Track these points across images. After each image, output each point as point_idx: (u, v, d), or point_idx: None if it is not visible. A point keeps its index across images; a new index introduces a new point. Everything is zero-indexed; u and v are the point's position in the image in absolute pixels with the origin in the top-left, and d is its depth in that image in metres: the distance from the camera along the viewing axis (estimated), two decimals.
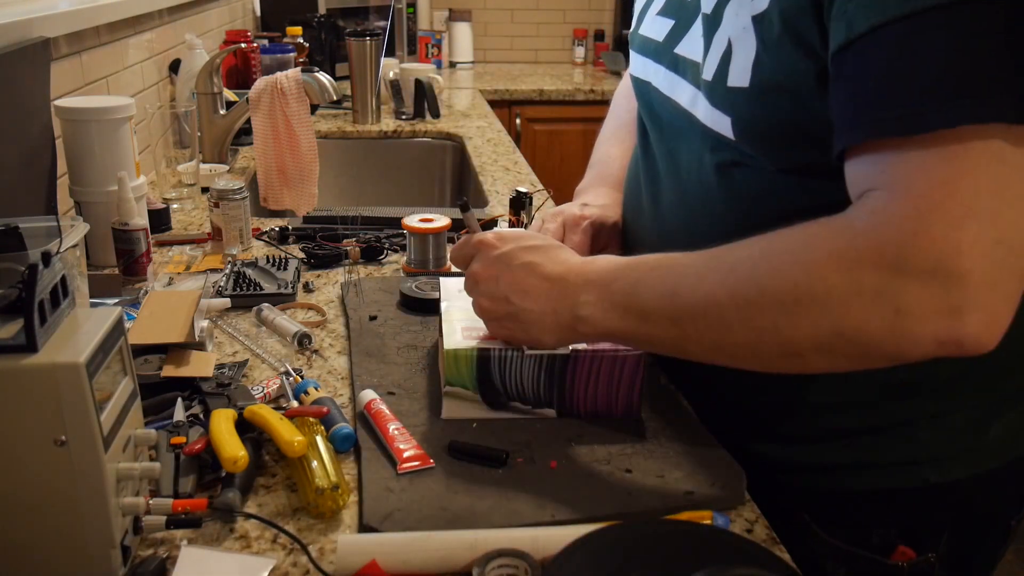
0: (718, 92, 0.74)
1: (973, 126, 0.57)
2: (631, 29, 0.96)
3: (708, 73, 0.75)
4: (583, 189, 1.07)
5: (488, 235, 0.80)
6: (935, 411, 0.79)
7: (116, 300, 1.05)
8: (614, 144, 1.11)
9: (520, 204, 1.31)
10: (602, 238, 0.98)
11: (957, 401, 0.79)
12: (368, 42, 2.22)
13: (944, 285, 0.57)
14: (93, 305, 0.99)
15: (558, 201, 1.24)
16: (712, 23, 0.76)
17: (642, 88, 0.91)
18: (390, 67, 2.51)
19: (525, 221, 1.31)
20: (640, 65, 0.91)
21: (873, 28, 0.59)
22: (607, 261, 0.75)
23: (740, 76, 0.71)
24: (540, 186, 1.70)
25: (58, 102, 1.19)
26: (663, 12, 0.88)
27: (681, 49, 0.82)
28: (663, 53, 0.85)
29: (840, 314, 0.60)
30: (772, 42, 0.68)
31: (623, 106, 1.15)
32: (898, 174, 0.59)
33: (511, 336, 0.79)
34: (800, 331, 0.62)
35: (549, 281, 0.75)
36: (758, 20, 0.69)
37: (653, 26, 0.89)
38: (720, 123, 0.75)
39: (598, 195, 1.04)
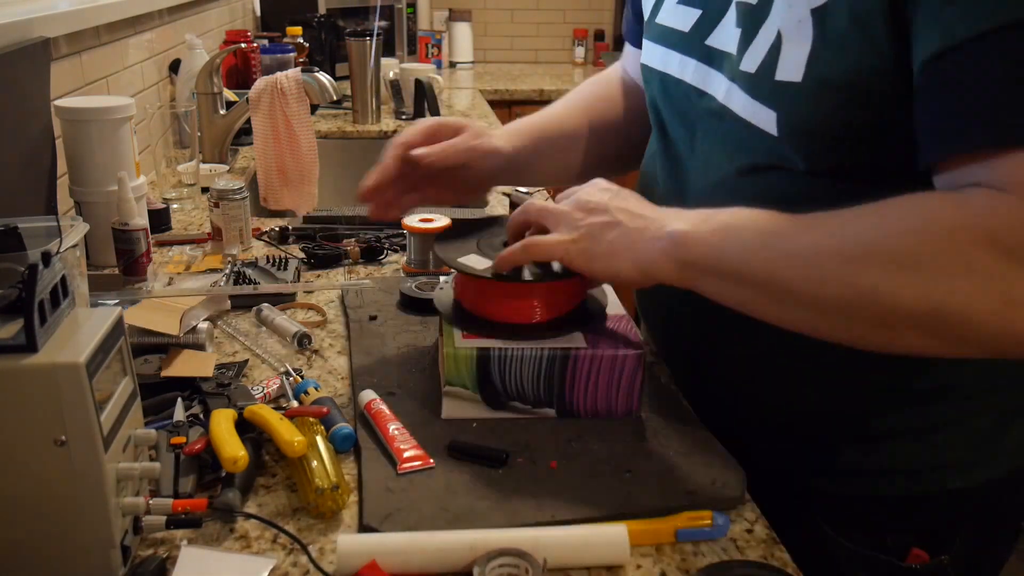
0: (763, 86, 0.72)
1: None
2: (646, 18, 0.93)
3: (750, 65, 0.73)
4: None
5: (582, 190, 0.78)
6: (957, 417, 0.79)
7: (116, 300, 1.05)
8: (547, 109, 1.09)
9: (520, 204, 1.31)
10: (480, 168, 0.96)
11: (979, 407, 0.79)
12: (368, 42, 2.23)
13: None
14: (93, 305, 0.99)
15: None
16: (757, 13, 0.74)
17: (660, 80, 0.88)
18: (390, 67, 2.51)
19: None
20: (660, 56, 0.88)
21: (981, 34, 0.58)
22: (699, 210, 0.73)
23: (791, 70, 0.69)
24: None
25: (58, 102, 1.19)
26: (686, 1, 0.85)
27: (713, 40, 0.80)
28: (692, 44, 0.83)
29: (946, 289, 0.58)
30: (835, 37, 0.67)
31: (581, 90, 1.11)
32: (1014, 174, 0.58)
33: (611, 256, 0.72)
34: (901, 299, 0.59)
35: (643, 204, 0.74)
36: (818, 13, 0.68)
37: (675, 15, 0.86)
38: (762, 118, 0.72)
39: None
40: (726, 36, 0.79)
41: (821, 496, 0.84)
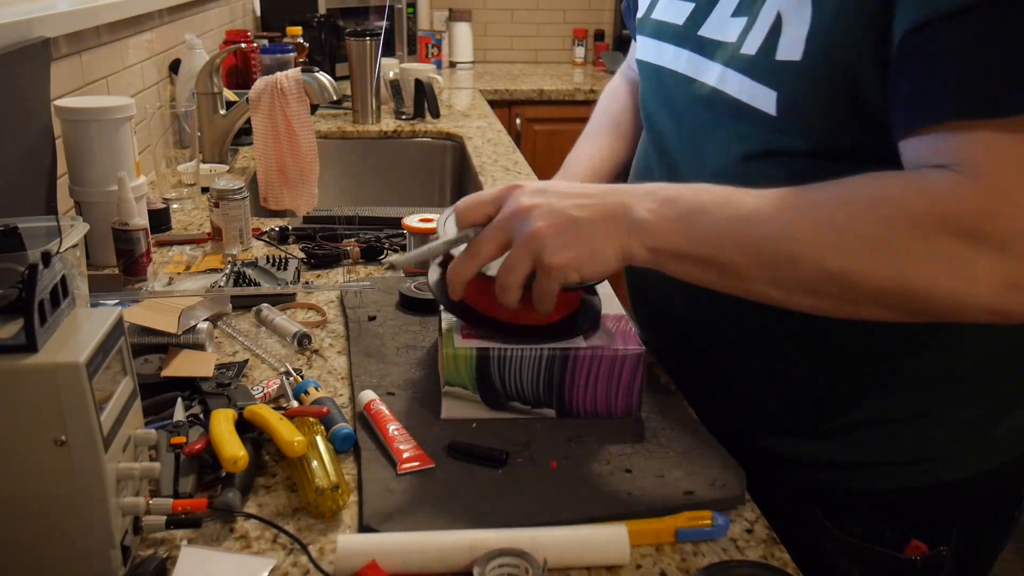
0: (762, 66, 0.73)
1: None
2: (639, 15, 0.95)
3: (751, 47, 0.74)
4: None
5: (512, 184, 0.75)
6: (948, 404, 0.80)
7: (116, 300, 1.05)
8: (585, 144, 1.11)
9: None
10: None
11: (969, 394, 0.80)
12: (368, 42, 2.22)
13: (1012, 260, 0.59)
14: (93, 305, 0.99)
15: None
16: None
17: (655, 74, 0.90)
18: (390, 67, 2.51)
19: None
20: (653, 50, 0.90)
21: (961, 8, 0.59)
22: (665, 183, 0.72)
23: (791, 49, 0.71)
24: None
25: (58, 102, 1.19)
26: None
27: (706, 31, 0.81)
28: (685, 36, 0.84)
29: (912, 273, 0.61)
30: (831, 14, 0.68)
31: (602, 108, 1.14)
32: (977, 154, 0.60)
33: (575, 259, 0.70)
34: (869, 281, 0.63)
35: (603, 192, 0.72)
36: None
37: (669, 10, 0.88)
38: (762, 98, 0.73)
39: None
40: (719, 25, 0.80)
41: (817, 490, 0.85)
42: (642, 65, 0.93)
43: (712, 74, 0.79)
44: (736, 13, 0.78)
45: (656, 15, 0.90)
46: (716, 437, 0.80)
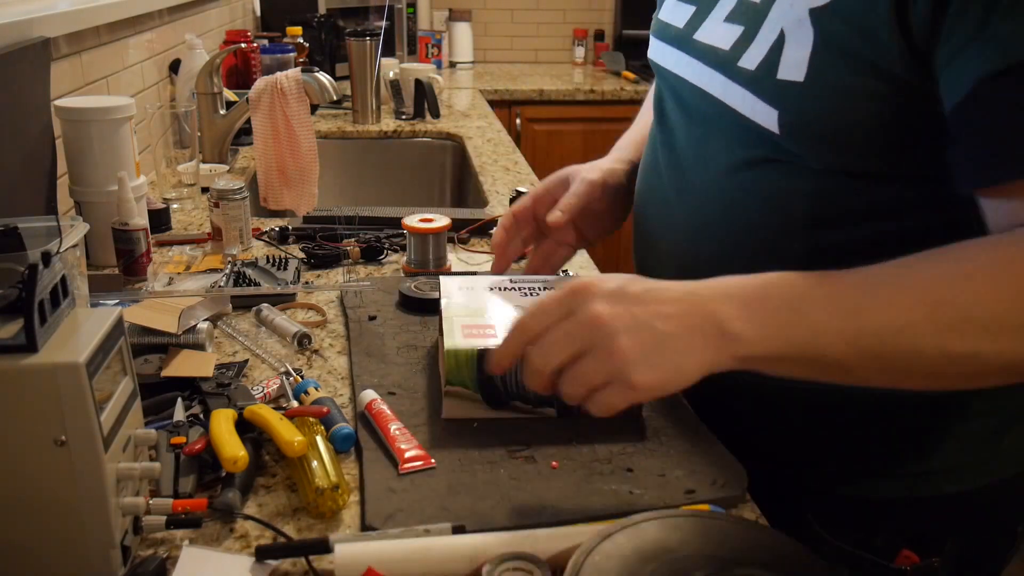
0: (765, 84, 0.72)
1: None
2: (654, 13, 0.95)
3: (749, 63, 0.73)
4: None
5: (576, 280, 0.66)
6: (952, 424, 0.79)
7: (116, 300, 1.05)
8: (641, 119, 1.12)
9: (517, 200, 1.31)
10: (601, 199, 0.97)
11: (975, 413, 0.79)
12: (368, 42, 2.22)
13: None
14: (93, 305, 0.99)
15: None
16: (758, 11, 0.74)
17: (663, 74, 0.90)
18: (390, 67, 2.51)
19: None
20: (659, 51, 0.90)
21: None
22: (746, 277, 0.65)
23: (793, 70, 0.69)
24: None
25: (58, 102, 1.19)
26: None
27: (701, 35, 0.81)
28: (684, 40, 0.84)
29: None
30: (836, 40, 0.66)
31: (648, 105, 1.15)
32: None
33: (660, 379, 0.62)
34: (1000, 357, 0.60)
35: (680, 296, 0.64)
36: (817, 14, 0.68)
37: (674, 12, 0.88)
38: (764, 116, 0.72)
39: (605, 163, 1.02)
40: (713, 31, 0.79)
41: (812, 495, 0.84)
42: (653, 65, 0.93)
43: (714, 83, 0.78)
44: (729, 19, 0.77)
45: (662, 16, 0.91)
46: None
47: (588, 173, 0.97)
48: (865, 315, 0.61)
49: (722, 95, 0.77)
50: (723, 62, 0.77)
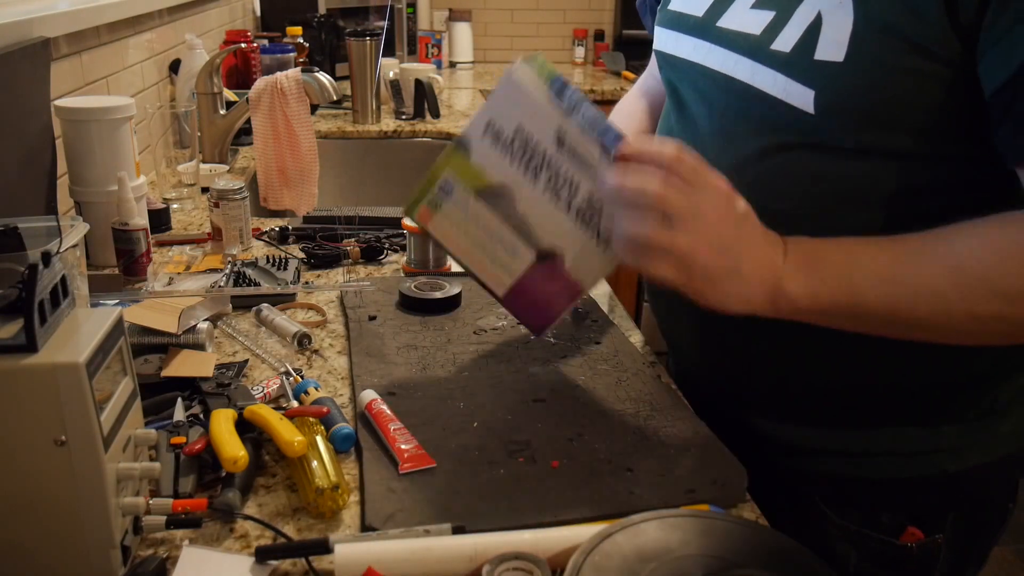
0: (801, 65, 0.72)
1: None
2: (660, 5, 0.95)
3: (783, 45, 0.74)
4: None
5: (692, 154, 0.67)
6: (959, 399, 0.81)
7: (116, 300, 1.05)
8: (629, 107, 1.12)
9: None
10: None
11: (980, 394, 0.81)
12: (368, 42, 2.22)
13: None
14: (93, 305, 0.99)
15: None
16: None
17: (676, 65, 0.89)
18: (390, 67, 2.51)
19: None
20: (672, 41, 0.89)
21: None
22: (801, 238, 0.71)
23: (832, 50, 0.70)
24: None
25: (58, 102, 1.19)
26: None
27: (725, 22, 0.81)
28: (705, 28, 0.84)
29: None
30: (880, 18, 0.67)
31: (626, 102, 1.15)
32: None
33: (718, 264, 0.66)
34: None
35: (764, 243, 0.69)
36: None
37: (688, 1, 0.88)
38: (799, 97, 0.72)
39: None
40: (740, 18, 0.79)
41: (818, 476, 0.85)
42: (661, 56, 0.93)
43: (741, 68, 0.78)
44: (758, 6, 0.78)
45: (674, 6, 0.91)
46: (722, 423, 0.80)
47: None
48: (900, 284, 0.68)
49: (750, 79, 0.77)
50: (753, 47, 0.77)
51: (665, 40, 0.91)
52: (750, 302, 0.68)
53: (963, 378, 0.80)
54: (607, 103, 3.13)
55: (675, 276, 0.67)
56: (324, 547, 0.64)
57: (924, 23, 0.65)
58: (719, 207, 0.66)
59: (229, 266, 1.19)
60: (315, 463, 0.72)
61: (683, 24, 0.88)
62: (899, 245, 0.69)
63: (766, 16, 0.77)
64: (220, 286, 1.11)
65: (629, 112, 1.12)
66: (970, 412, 0.81)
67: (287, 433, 0.74)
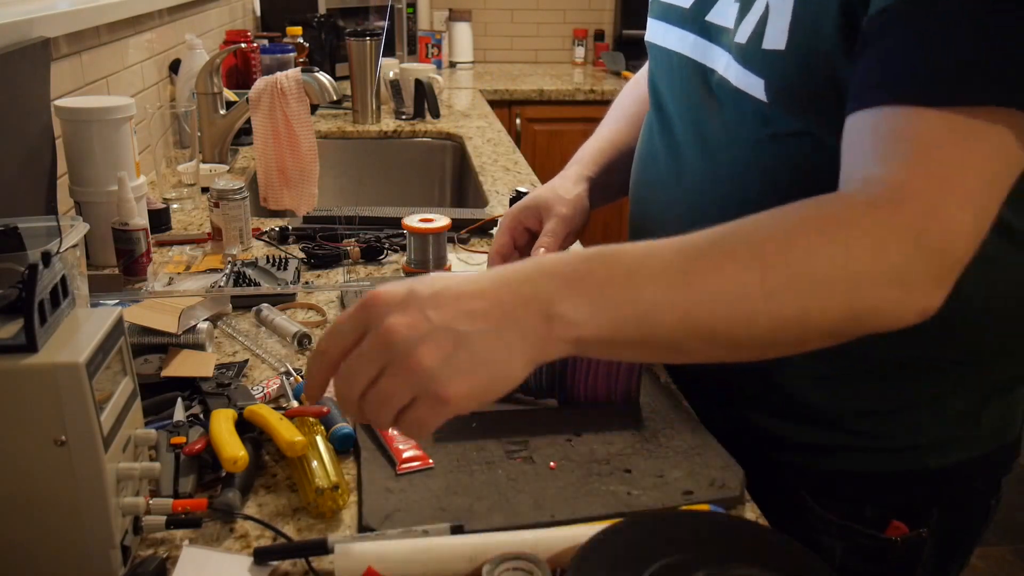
0: (752, 54, 0.74)
1: (1002, 109, 0.57)
2: None
3: (742, 36, 0.75)
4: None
5: (366, 294, 0.58)
6: (935, 394, 0.81)
7: (116, 300, 1.05)
8: (603, 128, 1.11)
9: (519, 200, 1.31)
10: (573, 233, 0.97)
11: (957, 384, 0.81)
12: (368, 42, 2.22)
13: (942, 262, 0.58)
14: (93, 305, 0.99)
15: None
16: None
17: (662, 56, 0.90)
18: (390, 67, 2.51)
19: None
20: (661, 32, 0.90)
21: None
22: (564, 253, 0.63)
23: (777, 38, 0.71)
24: (540, 186, 1.70)
25: (58, 102, 1.19)
26: None
27: (712, 16, 0.82)
28: (692, 20, 0.85)
29: (864, 295, 0.57)
30: (812, 6, 0.68)
31: (627, 93, 1.15)
32: (920, 146, 0.59)
33: (474, 387, 0.55)
34: (825, 316, 0.58)
35: (487, 291, 0.56)
36: None
37: None
38: (752, 85, 0.74)
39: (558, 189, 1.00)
40: (725, 11, 0.80)
41: (803, 470, 0.86)
42: (650, 46, 0.94)
43: (719, 61, 0.80)
44: None
45: None
46: (708, 413, 0.81)
47: (560, 207, 0.96)
48: (694, 286, 0.57)
49: (725, 71, 0.79)
50: (727, 40, 0.79)
51: (655, 31, 0.93)
52: (521, 354, 0.56)
53: (946, 376, 0.80)
54: (607, 103, 3.12)
55: (420, 407, 0.55)
56: (323, 547, 0.64)
57: (846, 5, 0.65)
58: (407, 314, 0.55)
59: (229, 266, 1.19)
60: (315, 463, 0.72)
61: (671, 15, 0.89)
62: (682, 243, 0.60)
63: (735, 8, 0.78)
64: (220, 286, 1.11)
65: (617, 117, 1.12)
66: (952, 410, 0.82)
67: (287, 433, 0.74)
